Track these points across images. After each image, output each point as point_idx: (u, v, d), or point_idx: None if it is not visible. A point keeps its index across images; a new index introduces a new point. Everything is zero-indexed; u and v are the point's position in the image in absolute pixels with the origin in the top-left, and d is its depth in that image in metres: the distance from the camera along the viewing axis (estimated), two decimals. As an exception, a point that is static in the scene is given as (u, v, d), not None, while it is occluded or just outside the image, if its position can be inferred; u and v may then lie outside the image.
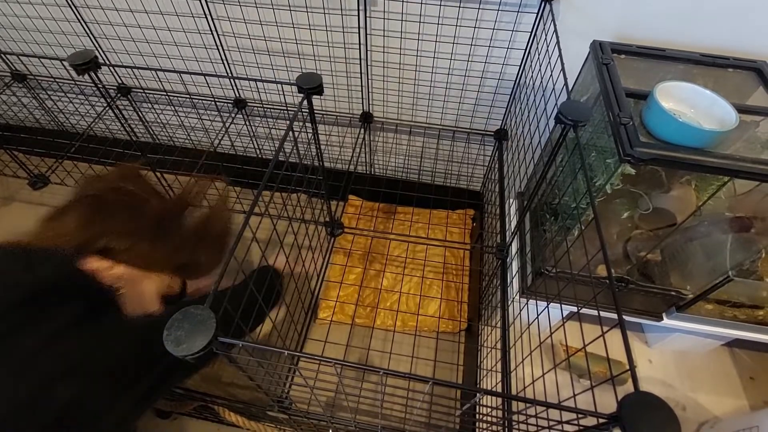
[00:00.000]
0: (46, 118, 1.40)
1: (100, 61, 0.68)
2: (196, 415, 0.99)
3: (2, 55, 1.22)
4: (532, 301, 0.92)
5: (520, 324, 0.87)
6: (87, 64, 0.65)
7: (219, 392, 0.88)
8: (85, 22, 1.07)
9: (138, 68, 0.80)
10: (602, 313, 0.46)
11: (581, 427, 0.35)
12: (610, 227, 0.87)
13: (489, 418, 0.54)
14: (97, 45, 1.12)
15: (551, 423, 0.37)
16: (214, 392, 0.77)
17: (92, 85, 1.23)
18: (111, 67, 1.11)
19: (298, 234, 0.69)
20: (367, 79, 1.05)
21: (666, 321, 0.93)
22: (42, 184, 0.99)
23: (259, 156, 1.35)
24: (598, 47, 0.76)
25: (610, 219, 0.86)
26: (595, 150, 0.78)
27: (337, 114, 1.16)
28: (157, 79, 1.16)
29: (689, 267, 0.83)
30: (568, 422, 0.35)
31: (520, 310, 0.85)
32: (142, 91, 1.20)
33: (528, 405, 0.34)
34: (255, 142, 1.30)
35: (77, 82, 1.24)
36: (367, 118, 1.13)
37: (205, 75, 1.07)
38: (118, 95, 1.18)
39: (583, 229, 0.81)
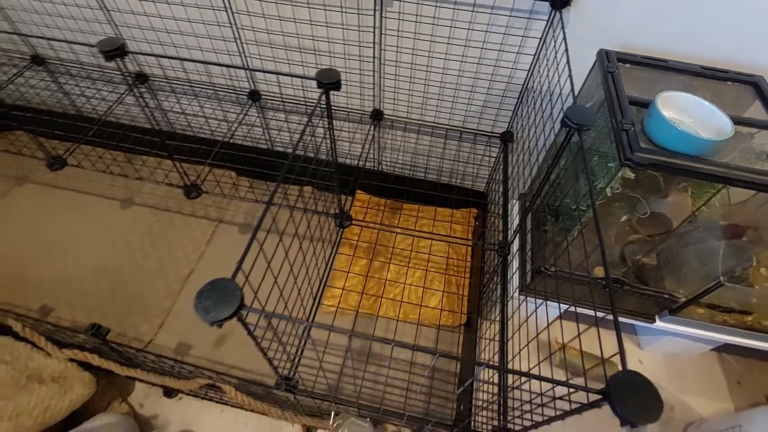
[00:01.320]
0: (64, 102, 1.43)
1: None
2: (202, 395, 1.02)
3: (25, 37, 1.25)
4: (530, 299, 0.95)
5: (518, 319, 0.91)
6: (115, 51, 0.69)
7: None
8: (107, 10, 1.10)
9: (163, 57, 0.83)
10: (597, 313, 0.48)
11: (573, 404, 0.38)
12: (608, 230, 0.90)
13: (486, 396, 0.57)
14: (117, 33, 1.15)
15: (545, 400, 0.40)
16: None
17: (111, 71, 1.27)
18: (132, 55, 1.14)
19: (306, 224, 0.73)
20: (380, 77, 1.08)
21: (658, 323, 0.97)
22: (59, 166, 1.02)
23: (270, 148, 1.39)
24: (604, 56, 0.79)
25: (609, 222, 0.89)
26: (597, 154, 0.81)
27: (349, 110, 1.20)
28: (173, 68, 1.20)
29: (683, 271, 0.86)
30: (560, 398, 0.38)
31: (518, 306, 0.88)
32: (162, 79, 1.23)
33: (524, 379, 0.37)
34: (268, 134, 1.34)
35: (99, 69, 1.28)
36: (377, 116, 1.16)
37: (225, 66, 1.10)
38: (136, 83, 1.21)
39: (582, 230, 0.85)
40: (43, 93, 1.41)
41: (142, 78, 1.21)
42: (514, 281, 0.97)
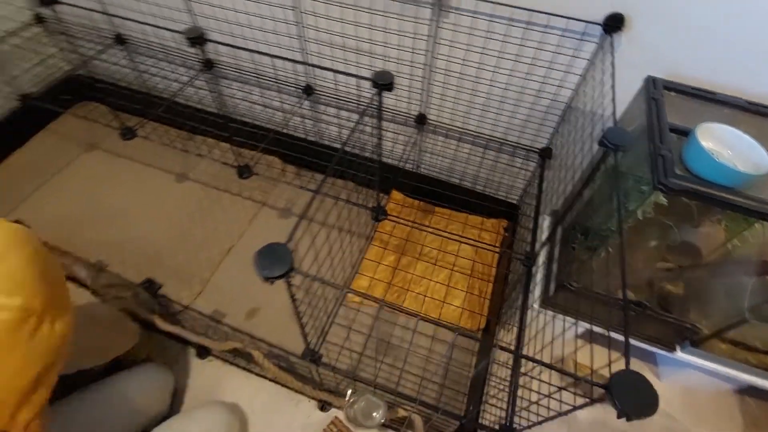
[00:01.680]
0: (138, 79, 1.57)
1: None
2: (230, 360, 1.10)
3: (116, 17, 1.39)
4: (549, 312, 0.97)
5: (535, 330, 0.93)
6: (198, 39, 0.77)
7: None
8: (188, 0, 1.21)
9: (236, 47, 0.90)
10: (613, 334, 0.48)
11: (581, 396, 0.42)
12: (637, 253, 0.92)
13: (495, 392, 0.61)
14: (194, 21, 1.26)
15: (551, 390, 0.44)
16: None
17: (184, 56, 1.39)
18: (211, 43, 1.25)
19: (346, 214, 0.79)
20: (428, 83, 1.13)
21: (679, 353, 0.97)
22: (130, 136, 1.14)
23: (317, 140, 1.46)
24: (651, 83, 0.81)
25: (638, 245, 0.91)
26: (633, 178, 0.83)
27: (395, 112, 1.25)
28: (237, 57, 1.29)
29: (708, 303, 0.87)
30: (564, 388, 0.42)
31: (536, 316, 0.91)
32: (227, 67, 1.34)
33: (534, 372, 0.41)
34: (317, 127, 1.42)
35: (174, 52, 1.40)
36: (421, 120, 1.22)
37: (286, 60, 1.17)
38: (204, 68, 1.31)
39: (609, 250, 0.86)
40: (122, 70, 1.55)
41: (209, 64, 1.32)
42: (536, 292, 1.00)
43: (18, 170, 1.50)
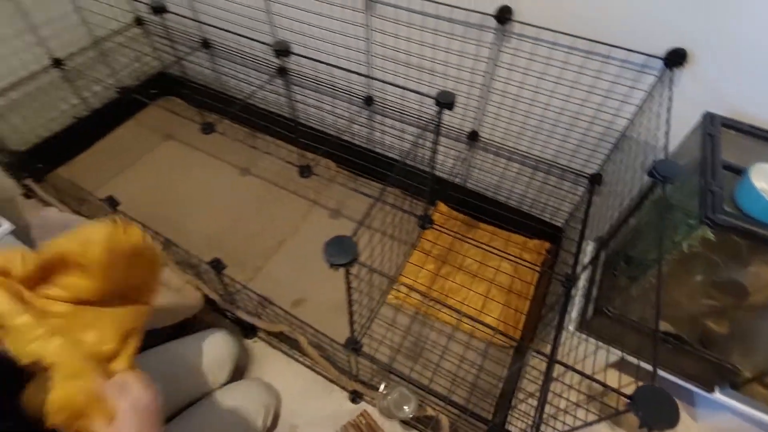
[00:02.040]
0: (217, 80, 1.73)
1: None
2: (275, 344, 1.20)
3: (206, 25, 1.55)
4: (584, 336, 0.98)
5: (568, 349, 0.95)
6: (284, 51, 0.87)
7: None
8: (271, 13, 1.33)
9: (313, 60, 0.99)
10: (645, 364, 0.49)
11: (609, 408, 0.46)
12: (680, 286, 0.91)
13: (525, 407, 0.64)
14: (273, 32, 1.39)
15: (580, 398, 0.48)
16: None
17: (260, 62, 1.52)
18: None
19: (395, 220, 0.85)
20: (484, 102, 1.18)
21: (717, 395, 0.95)
22: (209, 131, 1.26)
23: (371, 148, 1.55)
24: (709, 119, 0.82)
25: (683, 279, 0.90)
26: (682, 211, 0.84)
27: (448, 127, 1.31)
28: (307, 66, 1.41)
29: (752, 345, 0.85)
30: (593, 396, 0.46)
31: (570, 337, 0.92)
32: (298, 75, 1.45)
33: (565, 370, 0.45)
34: (373, 136, 1.50)
35: (251, 59, 1.54)
36: (473, 136, 1.27)
37: (353, 72, 1.26)
38: (277, 74, 1.44)
39: (652, 280, 0.87)
40: (204, 71, 1.71)
41: (282, 71, 1.44)
42: (573, 314, 1.01)
43: (108, 152, 1.69)
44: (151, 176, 1.62)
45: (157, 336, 0.94)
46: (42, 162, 1.45)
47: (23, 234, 1.26)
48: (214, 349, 0.96)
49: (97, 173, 1.61)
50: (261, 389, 1.01)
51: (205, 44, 1.58)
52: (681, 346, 0.91)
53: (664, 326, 0.94)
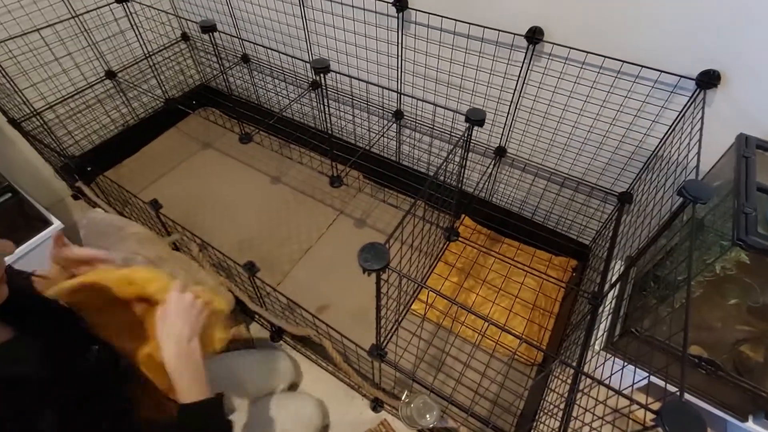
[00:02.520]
0: (254, 93, 1.82)
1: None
2: (298, 348, 1.23)
3: (247, 42, 1.63)
4: (609, 356, 0.97)
5: (594, 367, 0.94)
6: (324, 69, 0.92)
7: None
8: (307, 31, 1.40)
9: (349, 77, 1.05)
10: (672, 387, 0.49)
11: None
12: (714, 309, 0.90)
13: (550, 422, 0.65)
14: (309, 49, 1.45)
15: (606, 412, 0.48)
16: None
17: (293, 75, 1.59)
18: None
19: (422, 232, 0.87)
20: (512, 119, 1.20)
21: (751, 424, 0.91)
22: (247, 141, 1.33)
23: (398, 161, 1.58)
24: (743, 141, 0.81)
25: (716, 301, 0.89)
26: (714, 233, 0.83)
27: (475, 142, 1.33)
28: (340, 81, 1.46)
29: (790, 373, 0.82)
30: (618, 410, 0.46)
31: (596, 354, 0.91)
32: (331, 90, 1.51)
33: (593, 383, 0.46)
34: (401, 149, 1.54)
35: (290, 74, 1.61)
36: (501, 152, 1.28)
37: (385, 89, 1.31)
38: (310, 88, 1.50)
39: (682, 301, 0.86)
40: (243, 84, 1.80)
41: (316, 85, 1.50)
42: (598, 333, 1.00)
43: (151, 158, 1.80)
44: (189, 181, 1.71)
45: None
46: (91, 166, 1.55)
47: (72, 232, 1.35)
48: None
49: (140, 177, 1.70)
50: (311, 404, 1.05)
51: (245, 59, 1.67)
52: (714, 371, 0.89)
53: (696, 351, 0.92)
